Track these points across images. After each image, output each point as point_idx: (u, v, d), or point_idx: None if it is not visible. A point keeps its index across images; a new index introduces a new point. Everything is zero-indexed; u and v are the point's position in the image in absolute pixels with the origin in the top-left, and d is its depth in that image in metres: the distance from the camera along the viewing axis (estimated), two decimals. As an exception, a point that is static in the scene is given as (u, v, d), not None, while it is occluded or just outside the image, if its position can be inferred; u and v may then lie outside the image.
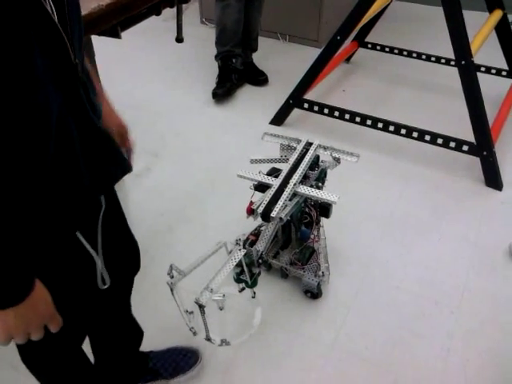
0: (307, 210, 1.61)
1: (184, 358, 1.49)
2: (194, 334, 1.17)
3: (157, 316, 1.65)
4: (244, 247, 1.30)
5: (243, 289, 1.42)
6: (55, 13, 0.68)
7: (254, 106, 2.73)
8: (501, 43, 2.61)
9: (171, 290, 1.12)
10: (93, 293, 0.99)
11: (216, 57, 2.85)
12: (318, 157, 1.60)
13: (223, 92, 2.76)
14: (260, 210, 1.39)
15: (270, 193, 1.43)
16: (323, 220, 1.71)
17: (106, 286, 0.97)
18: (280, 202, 1.40)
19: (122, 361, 1.32)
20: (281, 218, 1.39)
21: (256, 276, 1.39)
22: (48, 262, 0.85)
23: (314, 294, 1.67)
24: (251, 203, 1.45)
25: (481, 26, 2.34)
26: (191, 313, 1.18)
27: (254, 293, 1.39)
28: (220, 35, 2.76)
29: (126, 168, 0.94)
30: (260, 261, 1.42)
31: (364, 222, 2.00)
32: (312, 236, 1.68)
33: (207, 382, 1.49)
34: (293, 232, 1.67)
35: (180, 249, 1.88)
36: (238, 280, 1.38)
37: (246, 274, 1.35)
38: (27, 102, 0.66)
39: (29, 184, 0.72)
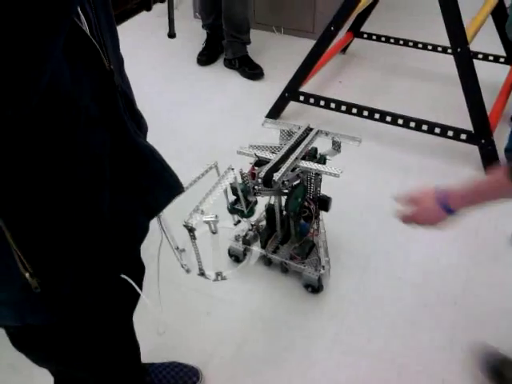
0: (306, 203, 1.60)
1: (184, 377, 1.41)
2: (187, 271, 1.10)
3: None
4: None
5: (239, 221, 1.35)
6: (84, 19, 0.62)
7: (250, 99, 2.70)
8: (498, 29, 2.58)
9: (158, 217, 1.07)
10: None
11: (203, 26, 3.06)
12: (315, 149, 1.58)
13: (207, 59, 3.03)
14: (261, 175, 1.34)
15: (272, 162, 1.39)
16: (322, 213, 1.69)
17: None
18: (282, 169, 1.35)
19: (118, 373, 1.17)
20: (283, 183, 1.34)
21: (252, 205, 1.31)
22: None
23: (314, 288, 1.65)
24: (253, 168, 1.40)
25: (477, 12, 2.31)
26: (183, 250, 1.12)
27: (252, 225, 1.29)
28: (200, 7, 3.09)
29: (175, 190, 0.79)
30: (257, 188, 1.33)
31: (364, 214, 1.98)
32: (311, 230, 1.66)
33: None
34: (292, 226, 1.65)
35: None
36: (232, 210, 1.30)
37: (242, 203, 1.27)
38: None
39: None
